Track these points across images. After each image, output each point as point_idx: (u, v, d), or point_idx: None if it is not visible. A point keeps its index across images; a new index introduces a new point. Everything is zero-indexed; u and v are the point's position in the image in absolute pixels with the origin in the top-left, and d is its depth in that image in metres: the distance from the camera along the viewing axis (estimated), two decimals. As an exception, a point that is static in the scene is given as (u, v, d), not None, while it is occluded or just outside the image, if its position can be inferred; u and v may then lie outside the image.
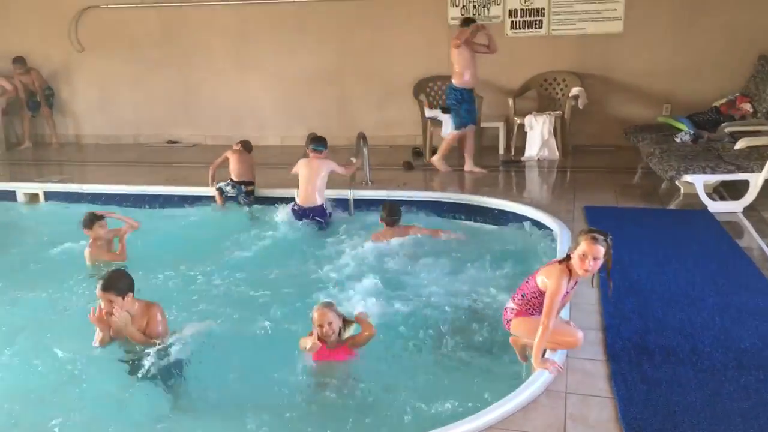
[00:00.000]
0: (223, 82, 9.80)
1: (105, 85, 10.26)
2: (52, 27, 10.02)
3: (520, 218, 6.23)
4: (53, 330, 4.58)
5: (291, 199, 6.76)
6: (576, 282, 3.52)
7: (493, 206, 6.52)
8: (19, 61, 9.90)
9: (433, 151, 8.39)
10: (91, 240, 5.71)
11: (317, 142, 6.74)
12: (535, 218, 6.03)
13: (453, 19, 8.78)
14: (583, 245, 3.35)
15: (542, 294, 3.47)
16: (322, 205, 6.53)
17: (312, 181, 6.51)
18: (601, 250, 3.34)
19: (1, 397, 3.88)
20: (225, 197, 7.05)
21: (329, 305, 3.86)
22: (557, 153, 8.18)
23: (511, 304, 3.66)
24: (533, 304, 3.54)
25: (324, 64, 9.39)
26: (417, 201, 6.82)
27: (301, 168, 6.66)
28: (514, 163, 8.13)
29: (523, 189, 7.33)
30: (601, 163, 7.87)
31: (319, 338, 3.79)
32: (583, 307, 4.08)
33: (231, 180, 7.07)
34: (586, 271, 3.36)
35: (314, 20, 9.27)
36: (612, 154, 8.25)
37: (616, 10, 8.32)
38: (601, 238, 3.35)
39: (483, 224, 6.51)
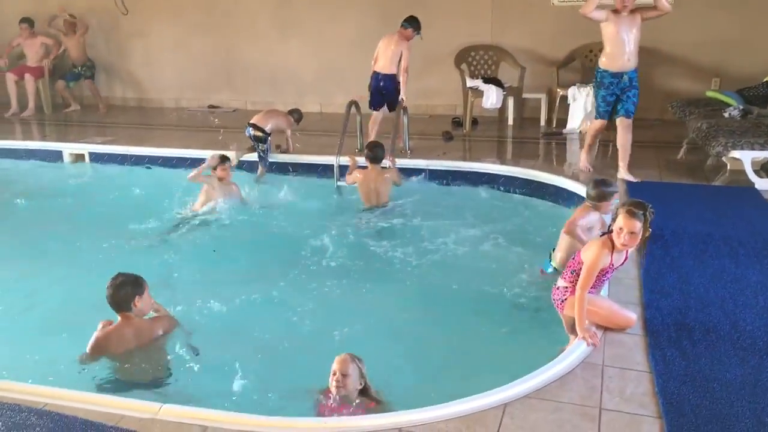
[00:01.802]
0: (264, 48, 9.81)
1: (148, 48, 10.35)
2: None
3: (560, 191, 6.17)
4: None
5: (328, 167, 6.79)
6: (625, 259, 3.52)
7: (533, 178, 6.46)
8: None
9: (473, 121, 8.33)
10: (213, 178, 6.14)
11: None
12: (575, 191, 5.96)
13: (497, -13, 8.63)
14: (620, 219, 3.36)
15: None
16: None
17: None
18: (637, 224, 3.32)
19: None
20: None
21: (356, 359, 3.29)
22: (600, 126, 8.03)
23: (562, 282, 3.64)
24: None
25: (365, 31, 9.29)
26: (456, 171, 6.80)
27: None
28: (556, 135, 8.02)
29: (563, 162, 7.24)
30: (645, 137, 7.68)
31: (327, 390, 3.28)
32: (623, 281, 4.04)
33: (248, 124, 7.06)
34: (624, 245, 3.36)
35: (356, -15, 9.20)
36: (657, 128, 8.07)
37: (667, -21, 8.06)
38: (639, 212, 3.33)
39: (523, 196, 6.46)
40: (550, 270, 4.64)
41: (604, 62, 6.03)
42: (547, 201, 6.28)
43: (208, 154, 6.52)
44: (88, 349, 3.58)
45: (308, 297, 4.63)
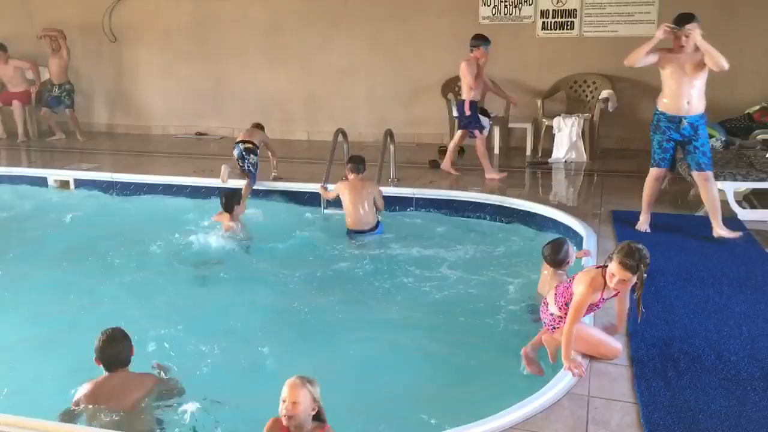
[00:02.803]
0: (251, 76, 9.87)
1: (136, 76, 10.39)
2: (86, 17, 10.14)
3: (545, 220, 6.21)
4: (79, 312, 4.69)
5: (315, 194, 6.80)
6: (616, 293, 3.55)
7: (519, 207, 6.49)
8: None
9: (460, 150, 8.37)
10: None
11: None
12: (561, 221, 6.00)
13: (484, 18, 8.76)
14: (613, 266, 3.37)
15: None
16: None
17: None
18: (630, 276, 3.33)
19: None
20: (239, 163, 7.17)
21: (308, 381, 2.92)
22: (585, 156, 8.12)
23: (554, 310, 3.64)
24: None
25: (353, 60, 9.42)
26: (442, 200, 6.83)
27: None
28: (541, 165, 8.08)
29: (549, 191, 7.29)
30: (630, 168, 7.78)
31: (278, 420, 2.92)
32: (608, 310, 4.06)
33: (236, 142, 7.25)
34: (616, 289, 3.44)
35: (344, 15, 9.30)
36: (641, 158, 8.11)
37: (649, 12, 8.24)
38: (632, 264, 3.32)
39: (509, 224, 6.49)
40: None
41: (662, 104, 5.42)
42: (533, 229, 6.30)
43: (194, 181, 6.49)
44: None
45: (290, 326, 4.62)
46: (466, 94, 7.37)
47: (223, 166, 7.15)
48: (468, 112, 7.41)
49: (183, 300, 5.07)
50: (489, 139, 8.63)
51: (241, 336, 4.50)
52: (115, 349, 3.43)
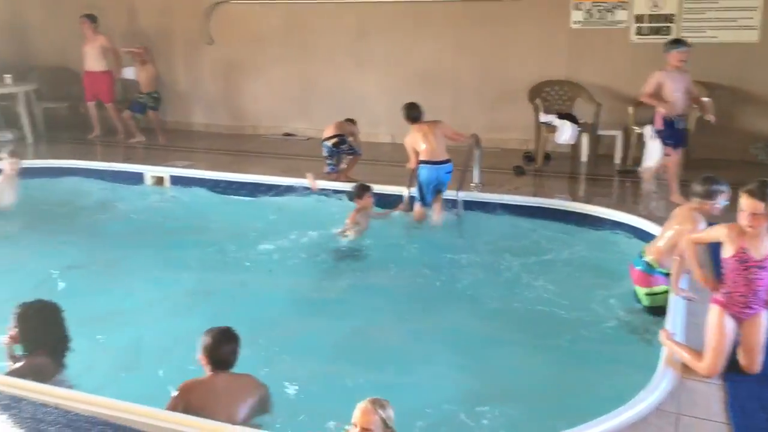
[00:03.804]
0: (339, 78, 10.01)
1: (229, 77, 10.71)
2: (186, 21, 10.55)
3: (633, 230, 6.04)
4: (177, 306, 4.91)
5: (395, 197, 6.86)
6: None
7: (606, 216, 6.35)
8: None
9: (546, 157, 8.26)
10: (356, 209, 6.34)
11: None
12: (650, 231, 5.81)
13: (575, 22, 8.60)
14: (742, 200, 3.38)
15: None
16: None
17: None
18: (760, 205, 3.29)
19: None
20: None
21: (380, 406, 2.85)
22: (677, 165, 7.82)
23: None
24: (731, 279, 3.49)
25: (439, 63, 9.42)
26: (526, 206, 6.76)
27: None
28: (631, 174, 7.85)
29: (638, 200, 7.07)
30: (725, 179, 7.45)
31: None
32: (702, 326, 3.91)
33: (322, 141, 7.59)
34: (750, 226, 3.35)
35: (432, 19, 9.32)
36: (735, 169, 7.78)
37: (752, 18, 7.87)
38: (761, 191, 3.30)
39: (596, 232, 6.35)
40: (640, 267, 4.57)
41: None
42: (621, 239, 6.15)
43: (286, 180, 6.74)
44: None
45: (361, 323, 4.69)
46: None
47: (308, 175, 7.29)
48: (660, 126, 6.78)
49: (277, 299, 5.23)
50: (576, 146, 8.47)
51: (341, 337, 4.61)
52: (225, 350, 3.39)
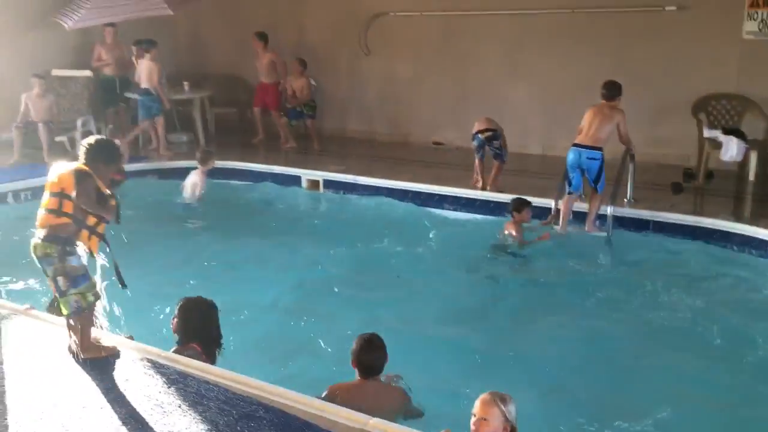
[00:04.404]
0: (492, 89, 10.02)
1: (384, 86, 11.05)
2: (347, 31, 11.04)
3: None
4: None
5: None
6: None
7: (771, 240, 5.92)
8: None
9: (709, 174, 7.82)
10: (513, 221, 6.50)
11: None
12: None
13: (748, 33, 8.06)
14: None
15: None
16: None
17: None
18: None
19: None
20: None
21: (502, 400, 2.87)
22: None
23: None
24: None
25: (596, 75, 9.10)
26: (682, 225, 6.45)
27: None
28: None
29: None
30: None
31: None
32: None
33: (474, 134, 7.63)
34: None
35: (591, 31, 9.11)
36: None
37: None
38: None
39: (757, 258, 5.94)
40: None
41: None
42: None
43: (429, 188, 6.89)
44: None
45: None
46: None
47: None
48: None
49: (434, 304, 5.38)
50: (744, 165, 7.93)
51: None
52: (374, 355, 3.52)
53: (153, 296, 5.05)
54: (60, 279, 3.42)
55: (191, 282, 5.48)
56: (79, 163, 3.51)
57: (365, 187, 8.29)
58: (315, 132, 10.58)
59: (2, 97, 9.74)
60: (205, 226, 7.48)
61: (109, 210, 3.50)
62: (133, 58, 9.98)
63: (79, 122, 9.66)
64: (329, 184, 8.57)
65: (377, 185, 8.22)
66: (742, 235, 6.13)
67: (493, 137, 7.55)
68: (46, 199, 3.48)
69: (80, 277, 3.45)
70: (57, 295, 3.51)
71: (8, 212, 7.48)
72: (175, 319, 3.85)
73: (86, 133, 9.83)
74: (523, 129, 9.82)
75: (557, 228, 6.72)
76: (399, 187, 8.08)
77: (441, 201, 7.75)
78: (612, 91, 6.77)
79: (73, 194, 3.38)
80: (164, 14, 9.60)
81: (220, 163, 8.63)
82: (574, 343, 4.63)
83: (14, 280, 5.55)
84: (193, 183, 8.05)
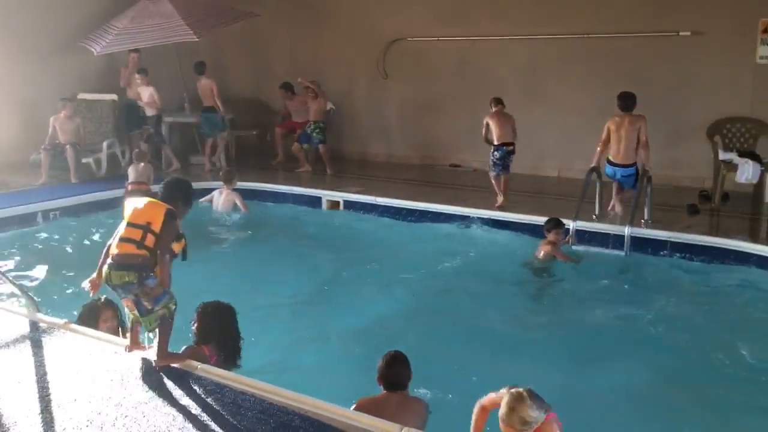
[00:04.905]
0: (508, 111, 10.15)
1: (402, 109, 11.25)
2: (361, 56, 11.26)
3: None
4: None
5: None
6: None
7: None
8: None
9: (724, 196, 7.91)
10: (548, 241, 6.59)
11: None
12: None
13: (762, 57, 8.20)
14: None
15: None
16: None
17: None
18: None
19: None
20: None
21: (530, 396, 2.74)
22: None
23: None
24: None
25: (611, 99, 9.28)
26: (699, 246, 6.54)
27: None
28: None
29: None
30: None
31: None
32: None
33: (493, 144, 7.88)
34: None
35: (606, 55, 9.28)
36: None
37: None
38: None
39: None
40: None
41: None
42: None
43: (448, 209, 7.04)
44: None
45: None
46: None
47: None
48: None
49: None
50: (760, 187, 8.02)
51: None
52: (397, 371, 3.61)
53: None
54: (143, 301, 3.56)
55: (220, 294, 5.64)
56: (164, 203, 3.62)
57: (385, 208, 8.43)
58: (328, 157, 10.45)
59: (31, 120, 10.05)
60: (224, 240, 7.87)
61: (180, 248, 3.68)
62: (138, 81, 10.19)
63: (104, 144, 9.93)
64: (349, 204, 8.72)
65: (396, 206, 8.37)
66: (760, 256, 6.20)
67: (514, 150, 7.85)
68: (125, 228, 3.56)
69: (161, 295, 3.58)
70: (137, 314, 3.62)
71: (38, 231, 7.70)
72: (195, 324, 3.99)
73: (111, 155, 10.11)
74: (539, 151, 9.98)
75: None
76: (417, 208, 8.22)
77: (462, 220, 7.86)
78: (630, 101, 7.16)
79: (158, 230, 3.51)
80: (190, 39, 9.83)
81: (242, 184, 8.84)
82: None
83: (48, 295, 5.70)
84: (224, 200, 8.54)
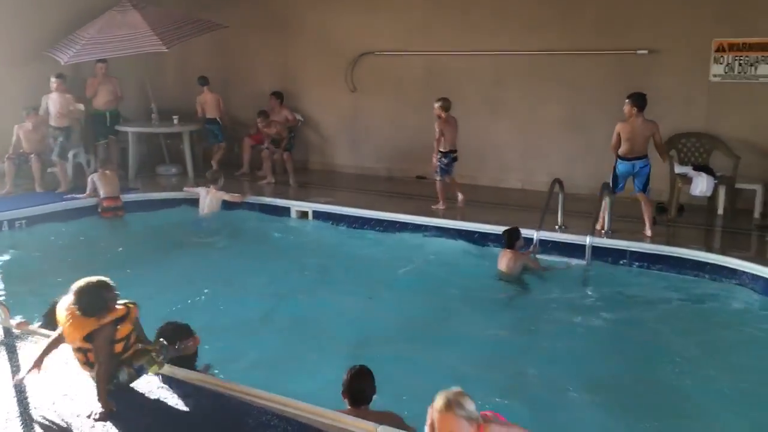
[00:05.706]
0: (474, 125, 10.33)
1: (368, 122, 11.38)
2: (329, 68, 11.39)
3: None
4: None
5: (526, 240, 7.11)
6: None
7: (740, 268, 6.28)
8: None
9: (680, 208, 8.22)
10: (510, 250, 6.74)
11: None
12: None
13: (715, 76, 8.58)
14: None
15: None
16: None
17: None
18: None
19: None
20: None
21: (458, 405, 2.70)
22: (824, 222, 7.56)
23: None
24: None
25: (573, 112, 9.60)
26: (658, 255, 6.80)
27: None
28: (770, 229, 7.67)
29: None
30: None
31: None
32: None
33: (440, 151, 8.34)
34: None
35: (568, 71, 9.55)
36: None
37: None
38: None
39: (730, 285, 6.30)
40: None
41: None
42: (757, 294, 6.06)
43: (414, 219, 7.22)
44: None
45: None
46: None
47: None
48: None
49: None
50: (713, 199, 8.36)
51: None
52: (361, 385, 3.64)
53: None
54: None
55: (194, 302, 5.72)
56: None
57: (353, 218, 8.55)
58: (292, 167, 10.49)
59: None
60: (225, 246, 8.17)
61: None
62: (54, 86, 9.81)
63: (70, 154, 9.83)
64: (319, 215, 8.83)
65: (364, 216, 8.49)
66: (713, 264, 6.49)
67: (457, 157, 8.37)
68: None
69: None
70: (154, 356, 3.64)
71: (3, 239, 7.67)
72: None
73: (77, 165, 10.03)
74: (503, 164, 10.21)
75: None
76: (383, 218, 8.37)
77: (421, 230, 8.05)
78: (643, 101, 7.35)
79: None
80: (159, 50, 9.85)
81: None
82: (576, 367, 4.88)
83: (17, 303, 5.67)
84: (210, 201, 8.89)
